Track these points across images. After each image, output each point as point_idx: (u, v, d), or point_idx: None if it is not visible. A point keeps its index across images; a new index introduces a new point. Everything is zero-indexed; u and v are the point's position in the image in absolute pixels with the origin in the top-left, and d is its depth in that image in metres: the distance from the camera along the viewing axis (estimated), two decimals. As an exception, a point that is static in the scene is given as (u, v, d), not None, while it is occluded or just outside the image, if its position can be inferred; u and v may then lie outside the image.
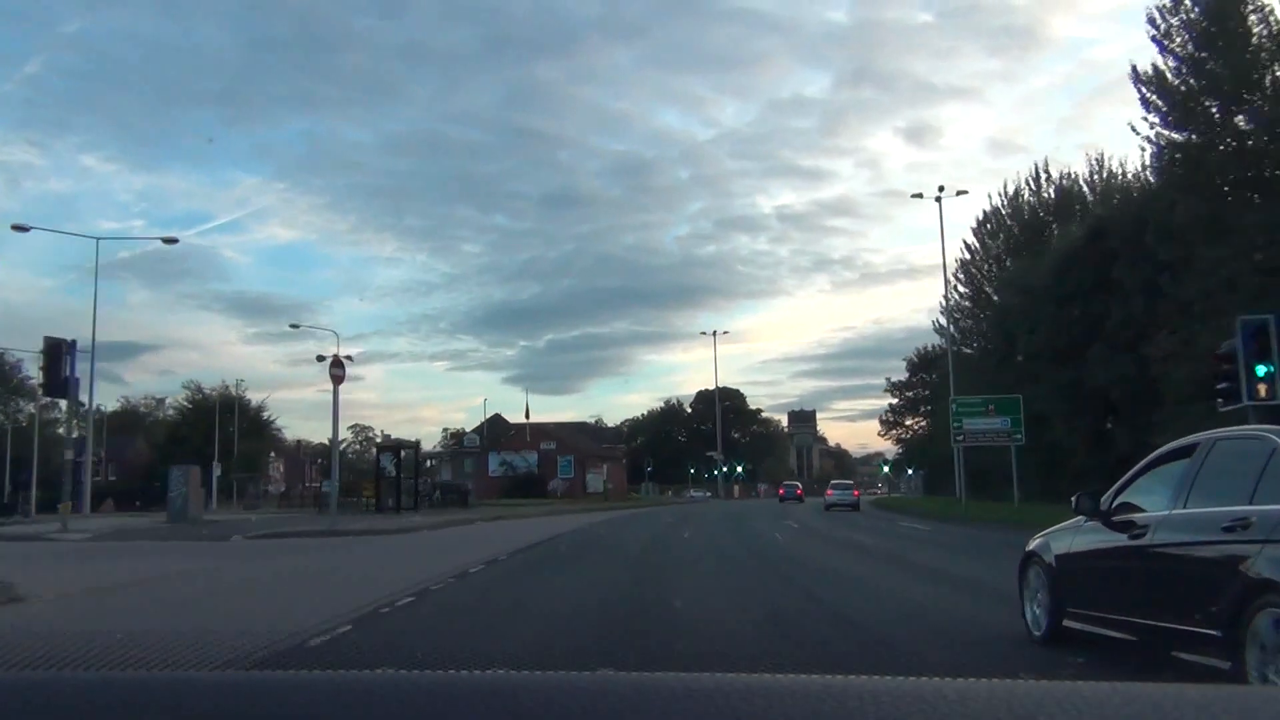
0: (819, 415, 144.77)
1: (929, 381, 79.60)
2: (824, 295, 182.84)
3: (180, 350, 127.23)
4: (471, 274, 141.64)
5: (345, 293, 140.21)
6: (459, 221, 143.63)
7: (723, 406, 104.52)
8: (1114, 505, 6.34)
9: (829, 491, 53.29)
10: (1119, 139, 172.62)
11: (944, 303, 54.06)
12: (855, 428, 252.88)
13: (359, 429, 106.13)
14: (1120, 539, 6.06)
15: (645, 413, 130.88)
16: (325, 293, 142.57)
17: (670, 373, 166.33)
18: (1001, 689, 1.08)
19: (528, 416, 70.26)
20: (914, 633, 7.71)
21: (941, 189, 46.34)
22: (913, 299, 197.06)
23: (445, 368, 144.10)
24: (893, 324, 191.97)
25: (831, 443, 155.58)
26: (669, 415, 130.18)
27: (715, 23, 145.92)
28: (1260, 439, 5.32)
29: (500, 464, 72.20)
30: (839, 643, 7.22)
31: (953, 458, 49.66)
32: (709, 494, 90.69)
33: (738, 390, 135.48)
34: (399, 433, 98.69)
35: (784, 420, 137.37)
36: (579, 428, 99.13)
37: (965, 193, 46.03)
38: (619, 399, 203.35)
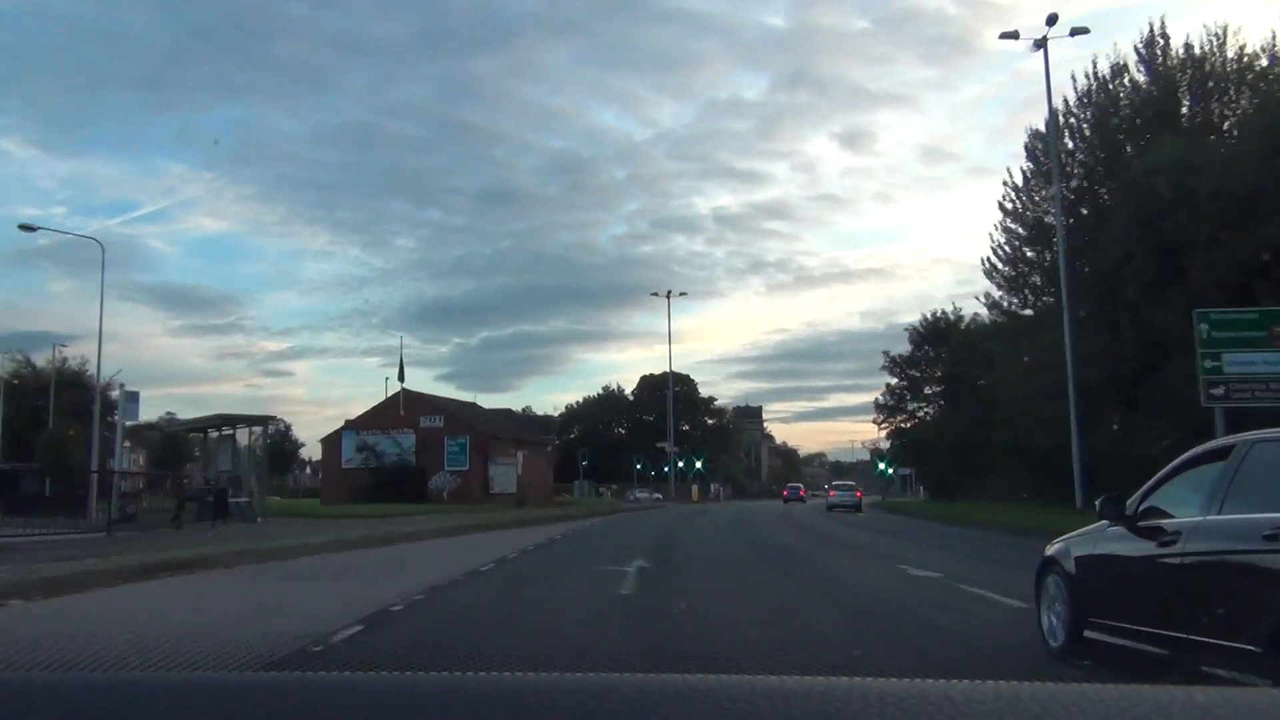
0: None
1: (936, 359, 66.98)
2: (759, 297, 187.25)
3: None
4: (405, 269, 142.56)
5: (274, 285, 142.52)
6: (392, 216, 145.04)
7: (673, 392, 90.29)
8: (1140, 510, 6.13)
9: (831, 492, 54.82)
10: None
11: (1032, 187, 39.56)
12: (791, 429, 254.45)
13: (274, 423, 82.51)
14: (1148, 546, 5.87)
15: (581, 399, 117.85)
16: (254, 285, 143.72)
17: (607, 372, 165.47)
18: (1007, 691, 1.09)
19: (402, 379, 46.30)
20: None
21: (1052, 19, 31.88)
22: (845, 303, 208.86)
23: (377, 364, 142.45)
24: (825, 327, 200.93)
25: (776, 442, 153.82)
26: (608, 403, 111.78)
27: (654, 23, 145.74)
28: None
29: (359, 449, 48.81)
30: None
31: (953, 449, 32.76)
32: (658, 495, 75.64)
33: (688, 375, 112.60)
34: (324, 431, 76.84)
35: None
36: (499, 414, 77.80)
37: (1085, 31, 32.44)
38: (555, 398, 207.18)
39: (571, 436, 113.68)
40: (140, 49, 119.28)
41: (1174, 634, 5.48)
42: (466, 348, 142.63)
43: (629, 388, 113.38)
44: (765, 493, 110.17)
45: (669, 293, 71.29)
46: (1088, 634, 6.38)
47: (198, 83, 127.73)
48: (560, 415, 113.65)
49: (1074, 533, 7.21)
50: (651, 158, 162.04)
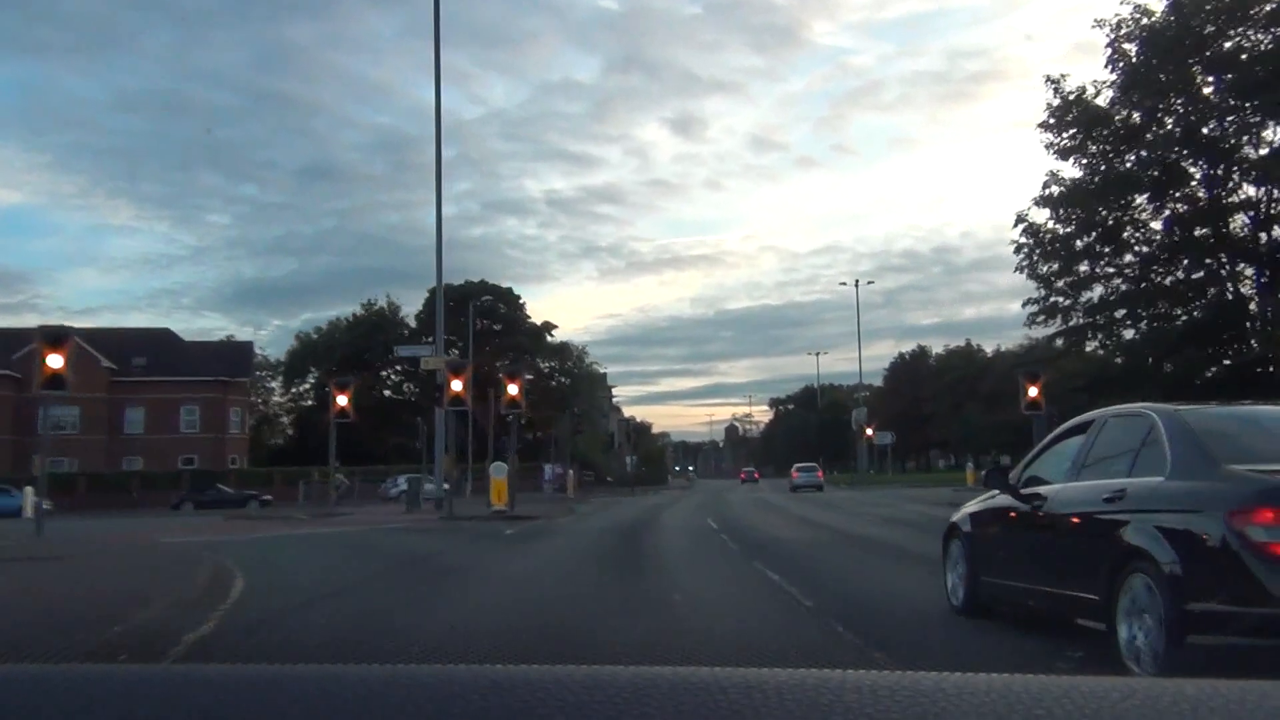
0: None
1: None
2: (591, 282, 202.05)
3: None
4: (219, 247, 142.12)
5: (74, 262, 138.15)
6: (203, 190, 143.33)
7: (480, 303, 67.95)
8: (1023, 478, 7.87)
9: (794, 474, 58.42)
10: (871, 142, 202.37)
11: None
12: (626, 412, 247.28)
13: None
14: (1024, 510, 7.49)
15: (324, 324, 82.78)
16: (51, 262, 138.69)
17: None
18: (1000, 683, 1.21)
19: None
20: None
21: None
22: (676, 289, 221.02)
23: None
24: (656, 313, 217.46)
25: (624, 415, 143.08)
26: (371, 330, 54.32)
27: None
28: (1142, 416, 6.56)
29: None
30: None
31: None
32: (429, 483, 38.64)
33: (508, 289, 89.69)
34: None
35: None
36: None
37: None
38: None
39: (305, 385, 65.03)
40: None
41: (1042, 588, 6.83)
42: (287, 330, 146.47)
43: (414, 308, 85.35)
44: (635, 479, 60.89)
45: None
46: (981, 591, 7.91)
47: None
48: (291, 350, 61.03)
49: (972, 501, 8.81)
50: (482, 137, 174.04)
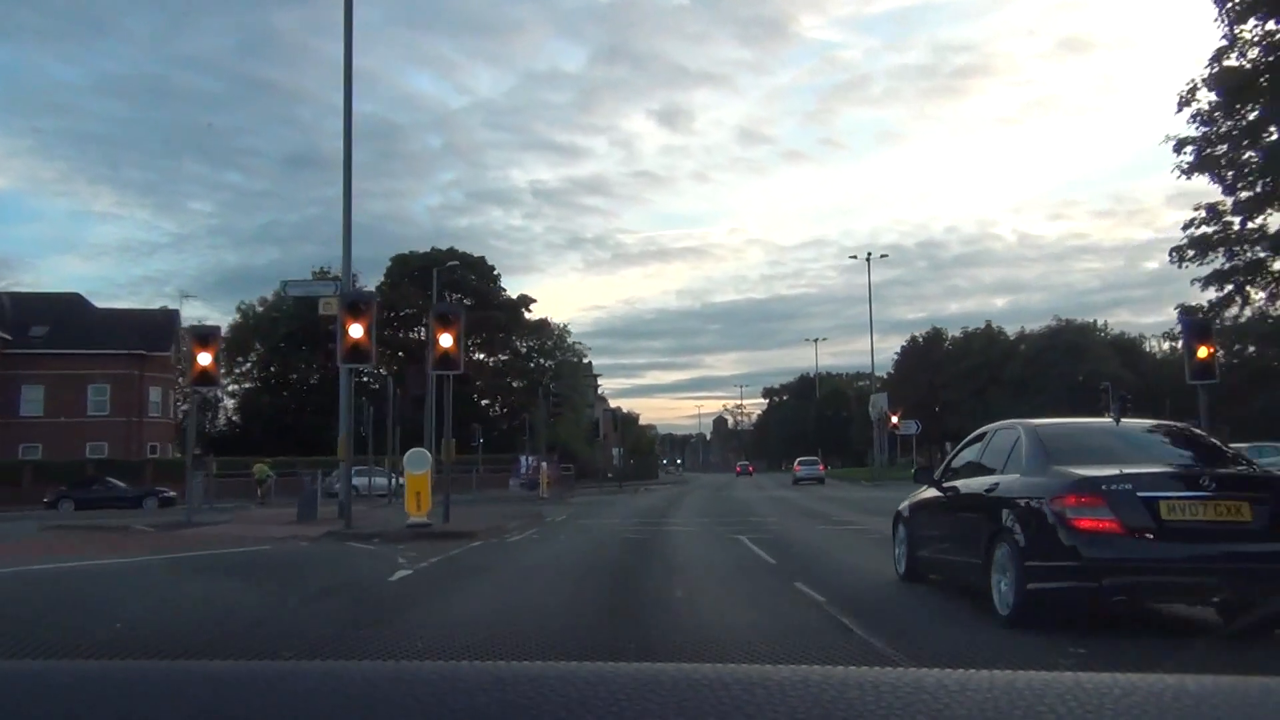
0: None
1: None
2: (576, 274, 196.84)
3: None
4: (202, 235, 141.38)
5: (55, 249, 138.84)
6: (186, 177, 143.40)
7: (448, 270, 61.56)
8: (943, 474, 11.06)
9: (796, 467, 61.62)
10: (858, 137, 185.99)
11: None
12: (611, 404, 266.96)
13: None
14: (941, 499, 10.64)
15: (270, 296, 75.19)
16: (31, 248, 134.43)
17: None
18: (1002, 680, 1.28)
19: None
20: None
21: None
22: (662, 281, 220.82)
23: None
24: (643, 305, 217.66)
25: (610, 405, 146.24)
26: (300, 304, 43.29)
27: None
28: (1013, 429, 9.53)
29: None
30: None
31: None
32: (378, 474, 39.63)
33: (481, 258, 78.68)
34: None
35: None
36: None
37: None
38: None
39: (246, 364, 58.08)
40: None
41: (950, 557, 9.76)
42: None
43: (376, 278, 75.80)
44: (623, 473, 79.13)
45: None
46: (917, 563, 10.86)
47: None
48: (233, 324, 50.86)
49: (913, 494, 11.62)
50: (467, 127, 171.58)
